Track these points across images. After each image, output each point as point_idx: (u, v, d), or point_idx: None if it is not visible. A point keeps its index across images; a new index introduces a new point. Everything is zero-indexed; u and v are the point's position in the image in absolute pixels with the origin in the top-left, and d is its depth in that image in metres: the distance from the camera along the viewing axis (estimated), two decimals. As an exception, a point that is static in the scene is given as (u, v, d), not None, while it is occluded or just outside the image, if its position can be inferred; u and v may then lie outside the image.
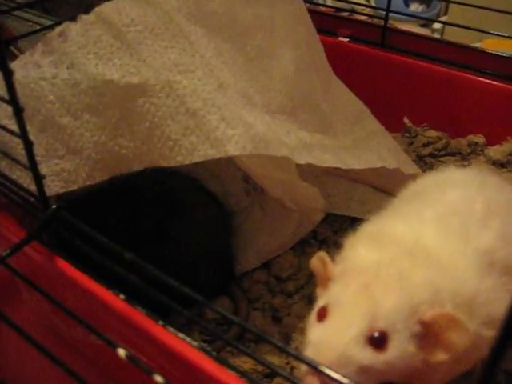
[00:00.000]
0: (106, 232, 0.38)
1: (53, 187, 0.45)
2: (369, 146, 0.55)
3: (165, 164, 0.44)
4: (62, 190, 0.45)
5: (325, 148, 0.49)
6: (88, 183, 0.45)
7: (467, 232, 0.40)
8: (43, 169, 0.44)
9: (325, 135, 0.52)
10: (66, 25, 0.46)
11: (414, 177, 0.56)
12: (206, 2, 0.49)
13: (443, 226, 0.40)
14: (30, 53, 0.46)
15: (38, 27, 0.60)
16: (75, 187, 0.45)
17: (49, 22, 1.16)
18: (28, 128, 0.41)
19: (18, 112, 0.35)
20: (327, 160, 0.48)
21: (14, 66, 0.46)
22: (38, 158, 0.42)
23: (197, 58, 0.45)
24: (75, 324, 0.44)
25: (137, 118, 0.44)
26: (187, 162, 0.42)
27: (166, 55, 0.45)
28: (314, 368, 0.30)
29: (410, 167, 0.59)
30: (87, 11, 0.57)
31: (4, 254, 0.38)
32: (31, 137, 0.40)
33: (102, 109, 0.45)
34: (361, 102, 0.60)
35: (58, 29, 0.46)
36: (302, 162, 0.45)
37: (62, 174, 0.45)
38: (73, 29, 0.45)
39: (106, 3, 0.46)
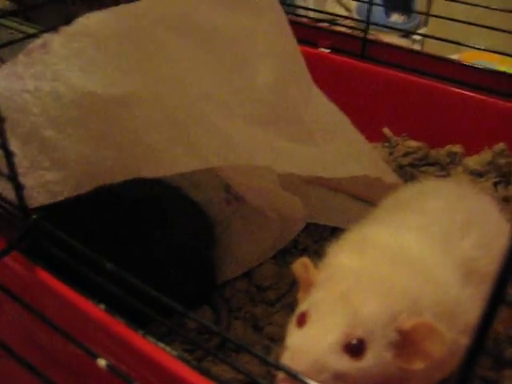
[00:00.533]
0: (88, 240, 0.38)
1: (39, 198, 0.44)
2: (350, 156, 0.56)
3: (149, 175, 0.44)
4: (48, 201, 0.44)
5: (306, 157, 0.50)
6: (74, 194, 0.45)
7: (448, 241, 0.40)
8: (29, 180, 0.44)
9: (306, 145, 0.53)
10: (48, 36, 0.46)
11: (393, 186, 0.57)
12: (189, 14, 0.49)
13: (424, 235, 0.41)
14: (11, 63, 0.46)
15: (20, 35, 0.60)
16: (61, 198, 0.45)
17: (30, 30, 1.16)
18: (12, 140, 0.42)
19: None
20: (309, 169, 0.49)
21: None
22: (22, 170, 0.43)
23: (180, 69, 0.46)
24: (55, 334, 0.44)
25: (121, 130, 0.44)
26: (171, 173, 0.43)
27: (148, 66, 0.45)
28: (290, 374, 0.30)
29: (390, 176, 0.60)
30: (68, 20, 0.57)
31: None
32: (15, 149, 0.41)
33: (85, 121, 0.44)
34: (341, 112, 0.61)
35: (39, 40, 0.45)
36: (284, 171, 0.46)
37: (47, 186, 0.44)
38: (55, 40, 0.45)
39: (88, 15, 0.46)
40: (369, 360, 0.33)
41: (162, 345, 0.33)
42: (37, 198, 0.44)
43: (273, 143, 0.48)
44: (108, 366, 0.32)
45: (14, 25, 1.25)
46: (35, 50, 0.45)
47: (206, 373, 0.32)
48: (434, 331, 0.34)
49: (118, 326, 0.35)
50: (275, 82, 0.53)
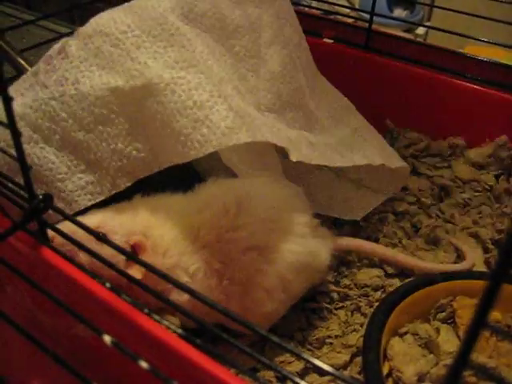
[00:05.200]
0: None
1: (80, 201, 0.46)
2: (354, 143, 0.56)
3: (180, 160, 0.44)
4: (89, 203, 0.46)
5: (312, 146, 0.50)
6: (113, 192, 0.47)
7: None
8: (68, 185, 0.46)
9: (311, 133, 0.53)
10: (64, 41, 0.47)
11: (401, 171, 0.57)
12: (197, 3, 0.50)
13: None
14: (32, 73, 0.47)
15: (21, 22, 0.61)
16: (102, 198, 0.47)
17: (31, 18, 1.16)
18: (48, 148, 0.46)
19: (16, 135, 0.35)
20: (315, 158, 0.49)
21: (20, 88, 0.47)
22: (61, 176, 0.46)
23: (196, 54, 0.46)
24: (59, 315, 0.44)
25: (147, 120, 0.45)
26: (201, 155, 0.43)
27: (166, 54, 0.45)
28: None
29: (395, 161, 0.60)
30: (69, 10, 0.57)
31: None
32: (51, 156, 0.45)
33: (112, 117, 0.46)
34: (345, 99, 0.62)
35: (56, 46, 0.47)
36: (294, 159, 0.46)
37: (87, 188, 0.46)
38: (72, 44, 0.46)
39: (101, 14, 0.47)
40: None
41: (166, 323, 0.33)
42: (78, 201, 0.46)
43: (281, 131, 0.49)
44: (113, 342, 0.32)
45: (16, 12, 1.25)
46: (54, 56, 0.47)
47: (210, 352, 0.33)
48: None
49: (124, 306, 0.35)
50: (281, 71, 0.54)
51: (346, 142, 0.56)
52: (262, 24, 0.54)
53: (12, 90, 0.47)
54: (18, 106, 0.46)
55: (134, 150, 0.46)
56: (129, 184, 0.46)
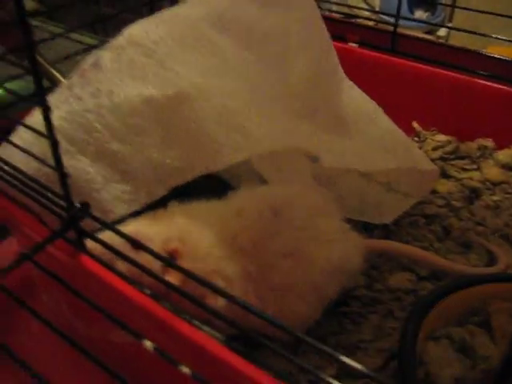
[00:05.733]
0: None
1: (117, 210, 0.47)
2: (383, 147, 0.56)
3: (214, 168, 0.45)
4: (126, 212, 0.47)
5: (343, 150, 0.50)
6: (149, 201, 0.47)
7: None
8: (104, 194, 0.47)
9: (341, 137, 0.53)
10: (97, 55, 0.47)
11: (430, 174, 0.57)
12: (226, 11, 0.51)
13: None
14: (67, 87, 0.48)
15: (46, 34, 0.62)
16: (138, 207, 0.47)
17: (58, 30, 1.18)
18: (84, 159, 0.46)
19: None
20: (346, 162, 0.49)
21: (55, 101, 0.47)
22: (97, 186, 0.46)
23: (228, 61, 0.47)
24: (95, 322, 0.45)
25: (181, 128, 0.45)
26: (233, 162, 0.44)
27: (198, 63, 0.46)
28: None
29: (425, 163, 0.60)
30: (95, 22, 0.58)
31: (29, 252, 0.39)
32: (87, 167, 0.46)
33: (146, 127, 0.46)
34: (374, 102, 0.61)
35: (90, 59, 0.47)
36: (326, 164, 0.47)
37: (122, 197, 0.47)
38: (105, 57, 0.47)
39: (133, 25, 0.48)
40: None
41: (207, 329, 0.33)
42: (113, 210, 0.47)
43: (313, 136, 0.49)
44: (155, 348, 0.33)
45: (41, 25, 1.27)
46: (88, 69, 0.47)
47: (252, 359, 0.33)
48: None
49: (164, 313, 0.35)
50: (309, 76, 0.54)
51: (375, 145, 0.56)
52: (289, 30, 0.55)
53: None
54: (54, 119, 0.46)
55: (168, 158, 0.46)
56: (164, 193, 0.47)
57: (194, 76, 0.45)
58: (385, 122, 0.60)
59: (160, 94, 0.45)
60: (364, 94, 0.62)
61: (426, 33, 1.58)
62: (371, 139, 0.57)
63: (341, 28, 0.83)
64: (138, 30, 0.47)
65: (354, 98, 0.60)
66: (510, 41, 0.74)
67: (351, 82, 0.62)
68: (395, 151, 0.56)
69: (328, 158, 0.47)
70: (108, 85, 0.46)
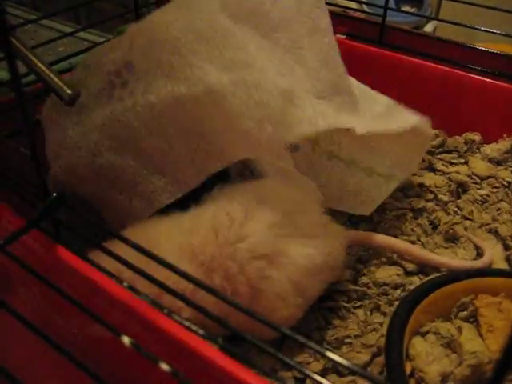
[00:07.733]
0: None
1: (161, 200, 0.50)
2: (392, 115, 0.59)
3: (245, 156, 0.49)
4: (169, 201, 0.50)
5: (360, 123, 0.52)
6: (181, 194, 0.51)
7: None
8: (149, 186, 0.51)
9: (358, 115, 0.57)
10: (126, 56, 0.50)
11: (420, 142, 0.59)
12: (243, 1, 0.52)
13: None
14: (108, 87, 0.50)
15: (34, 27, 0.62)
16: (179, 196, 0.51)
17: (44, 23, 1.16)
18: (127, 155, 0.50)
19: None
20: (376, 126, 0.52)
21: (99, 101, 0.51)
22: (141, 179, 0.50)
23: (250, 52, 0.48)
24: (72, 315, 0.43)
25: (212, 123, 0.47)
26: (265, 151, 0.46)
27: (221, 57, 0.47)
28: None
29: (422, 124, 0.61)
30: (71, 8, 0.59)
31: (2, 242, 0.37)
32: (131, 162, 0.50)
33: (180, 123, 0.48)
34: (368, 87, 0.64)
35: (121, 62, 0.50)
36: (363, 131, 0.49)
37: (165, 187, 0.50)
38: (133, 58, 0.49)
39: (149, 19, 0.49)
40: None
41: (187, 324, 0.32)
42: (159, 199, 0.50)
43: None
44: (132, 343, 0.31)
45: (24, 14, 1.25)
46: (122, 71, 0.50)
47: (231, 353, 0.32)
48: None
49: (142, 306, 0.34)
50: (325, 58, 0.56)
51: (384, 115, 0.60)
52: (301, 14, 0.56)
53: (92, 103, 0.51)
54: (98, 118, 0.50)
55: (199, 152, 0.49)
56: (201, 181, 0.50)
57: (220, 71, 0.46)
58: (384, 99, 0.63)
59: (189, 91, 0.47)
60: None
61: (414, 28, 1.58)
62: (379, 112, 0.60)
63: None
64: (156, 24, 0.48)
65: (353, 81, 0.62)
66: (495, 33, 0.74)
67: None
68: (405, 116, 0.59)
69: (361, 126, 0.49)
70: (142, 84, 0.48)
